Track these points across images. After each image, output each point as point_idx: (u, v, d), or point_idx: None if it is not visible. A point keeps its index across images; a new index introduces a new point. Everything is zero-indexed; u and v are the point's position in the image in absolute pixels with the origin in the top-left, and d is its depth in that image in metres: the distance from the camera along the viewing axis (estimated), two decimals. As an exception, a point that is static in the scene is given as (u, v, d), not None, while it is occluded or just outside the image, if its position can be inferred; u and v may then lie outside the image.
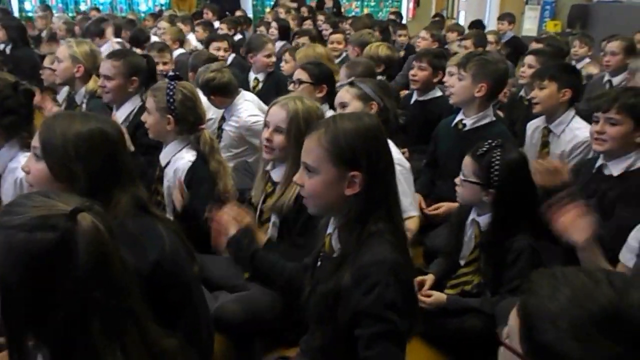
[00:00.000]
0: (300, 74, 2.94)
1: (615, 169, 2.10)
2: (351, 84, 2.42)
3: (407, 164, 2.39)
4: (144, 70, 2.83)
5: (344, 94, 2.42)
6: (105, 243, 0.98)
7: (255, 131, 2.94)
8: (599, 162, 2.17)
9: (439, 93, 3.44)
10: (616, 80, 3.83)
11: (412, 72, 3.45)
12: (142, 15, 8.28)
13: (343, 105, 2.41)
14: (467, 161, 2.05)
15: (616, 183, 2.09)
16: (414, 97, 3.52)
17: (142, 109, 2.67)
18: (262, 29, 6.45)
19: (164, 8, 9.76)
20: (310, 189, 1.40)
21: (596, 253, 1.70)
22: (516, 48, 5.90)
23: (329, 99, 2.87)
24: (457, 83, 2.67)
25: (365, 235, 1.34)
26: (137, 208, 1.41)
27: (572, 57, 4.96)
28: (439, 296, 2.07)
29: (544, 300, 0.80)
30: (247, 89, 3.50)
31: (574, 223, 1.71)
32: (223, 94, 3.11)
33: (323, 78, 2.93)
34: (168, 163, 2.30)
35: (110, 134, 1.41)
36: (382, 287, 1.28)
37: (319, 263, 1.50)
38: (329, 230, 1.47)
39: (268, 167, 2.10)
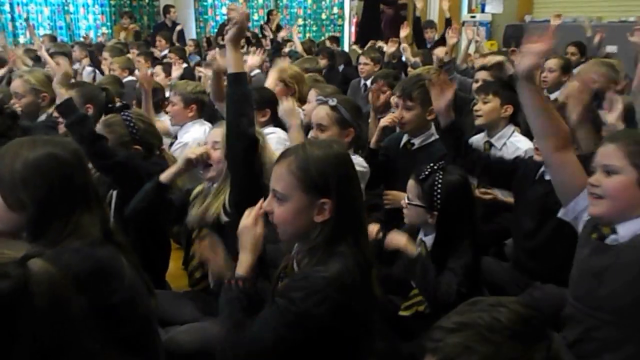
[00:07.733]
0: None
1: None
2: (333, 107, 2.34)
3: (366, 166, 2.45)
4: (100, 101, 2.81)
5: (324, 116, 2.34)
6: (60, 285, 0.96)
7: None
8: (543, 168, 2.26)
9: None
10: (553, 97, 3.97)
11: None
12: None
13: (321, 127, 2.34)
14: (411, 185, 2.11)
15: None
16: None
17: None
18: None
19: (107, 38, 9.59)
20: (280, 217, 1.38)
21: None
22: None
23: (275, 120, 2.94)
24: (405, 112, 2.64)
25: (327, 256, 1.33)
26: (104, 235, 1.38)
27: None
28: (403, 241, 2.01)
29: None
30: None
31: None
32: (200, 108, 3.26)
33: (265, 102, 2.95)
34: None
35: (61, 157, 1.37)
36: (312, 287, 1.27)
37: (279, 284, 1.49)
38: (293, 252, 1.47)
39: (208, 184, 2.12)
